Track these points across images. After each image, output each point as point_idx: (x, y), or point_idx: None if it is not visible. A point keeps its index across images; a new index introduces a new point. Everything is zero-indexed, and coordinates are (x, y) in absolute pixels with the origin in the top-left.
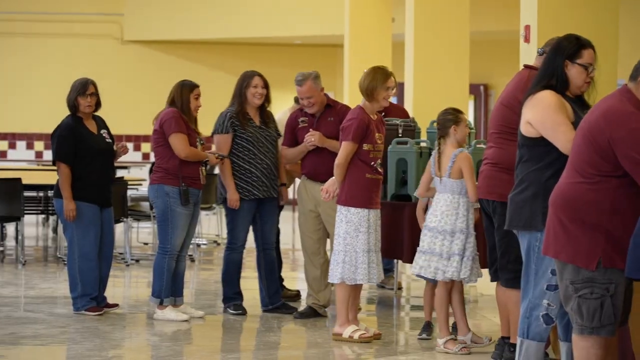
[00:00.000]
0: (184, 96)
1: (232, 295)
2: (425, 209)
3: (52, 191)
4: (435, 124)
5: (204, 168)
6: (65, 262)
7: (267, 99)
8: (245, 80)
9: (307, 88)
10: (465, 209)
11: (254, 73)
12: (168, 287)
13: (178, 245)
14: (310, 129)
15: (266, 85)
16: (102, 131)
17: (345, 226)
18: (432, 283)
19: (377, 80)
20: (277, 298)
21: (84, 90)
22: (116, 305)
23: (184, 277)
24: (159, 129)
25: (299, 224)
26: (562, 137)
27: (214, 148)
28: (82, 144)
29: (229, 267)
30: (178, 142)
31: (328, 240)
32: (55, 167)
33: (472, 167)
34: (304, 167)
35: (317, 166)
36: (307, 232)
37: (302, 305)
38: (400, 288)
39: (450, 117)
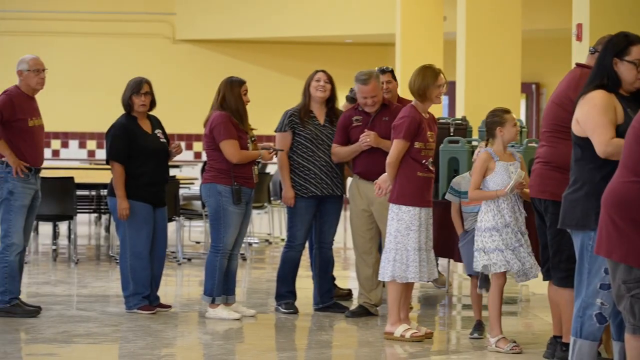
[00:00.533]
0: (235, 93)
1: (284, 294)
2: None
3: (104, 190)
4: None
5: (256, 167)
6: (118, 261)
7: (332, 96)
8: (311, 77)
9: (372, 87)
10: (509, 207)
11: (317, 71)
12: (220, 286)
13: (230, 244)
14: (365, 129)
15: (330, 81)
16: (157, 131)
17: (396, 224)
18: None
19: (428, 79)
20: (329, 297)
21: (138, 89)
22: (169, 306)
23: (236, 276)
24: (209, 134)
25: (351, 223)
26: (597, 139)
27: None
28: (135, 143)
29: (285, 265)
30: (229, 149)
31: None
32: (108, 166)
33: (479, 164)
34: (356, 166)
35: (370, 166)
36: (359, 231)
37: (354, 304)
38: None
39: (496, 119)
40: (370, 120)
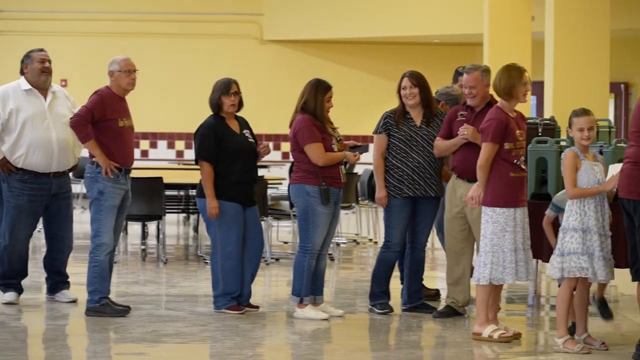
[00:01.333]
0: (317, 100)
1: (379, 293)
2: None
3: (193, 190)
4: None
5: (343, 167)
6: (206, 261)
7: (425, 97)
8: (399, 82)
9: (473, 77)
10: (592, 208)
11: (404, 75)
12: (308, 286)
13: (318, 244)
14: (466, 123)
15: (418, 84)
16: (245, 131)
17: (491, 227)
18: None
19: (514, 77)
20: (418, 297)
21: (227, 90)
22: (257, 307)
23: (324, 276)
24: (293, 138)
25: (445, 224)
26: None
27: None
28: (224, 143)
29: (381, 265)
30: (313, 152)
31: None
32: (197, 167)
33: (569, 161)
34: (454, 160)
35: (466, 163)
36: (452, 232)
37: (441, 305)
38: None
39: (569, 120)
40: (473, 116)
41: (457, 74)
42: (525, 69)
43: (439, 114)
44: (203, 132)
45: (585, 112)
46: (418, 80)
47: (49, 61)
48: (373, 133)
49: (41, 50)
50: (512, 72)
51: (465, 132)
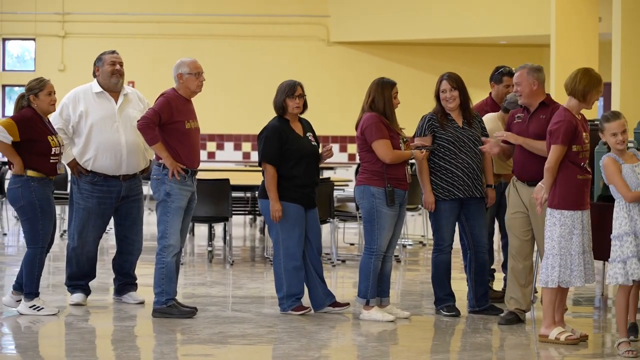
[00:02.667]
0: (385, 95)
1: (443, 297)
2: None
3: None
4: None
5: (409, 168)
6: (272, 262)
7: (463, 99)
8: (437, 85)
9: (518, 74)
10: (636, 212)
11: (442, 77)
12: (374, 288)
13: (384, 246)
14: (523, 125)
15: (457, 86)
16: (308, 134)
17: (559, 229)
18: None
19: (593, 84)
20: (485, 301)
21: (292, 92)
22: (347, 304)
23: (390, 278)
24: (361, 136)
25: (507, 225)
26: None
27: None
28: (288, 146)
29: (438, 269)
30: (381, 149)
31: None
32: (261, 168)
33: (611, 168)
34: (515, 163)
35: (525, 165)
36: (516, 232)
37: (505, 309)
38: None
39: (600, 127)
40: (528, 117)
41: (501, 74)
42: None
43: (476, 115)
44: (267, 134)
45: (615, 115)
46: (457, 83)
47: (120, 63)
48: (415, 136)
49: (113, 52)
50: (593, 79)
51: (502, 134)
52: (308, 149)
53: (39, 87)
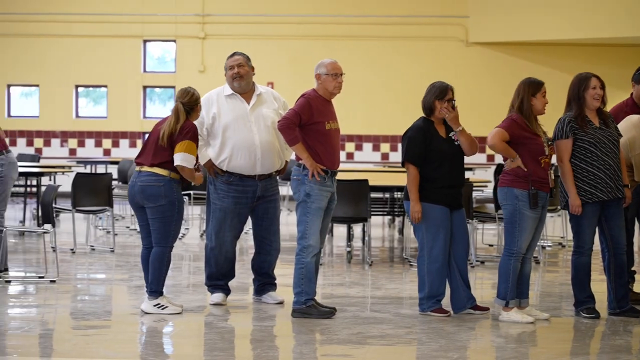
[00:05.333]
0: (526, 95)
1: (583, 299)
2: None
3: (398, 192)
4: None
5: (552, 171)
6: (412, 263)
7: (602, 101)
8: (583, 83)
9: None
10: None
11: (590, 75)
12: (513, 289)
13: (524, 248)
14: None
15: (603, 86)
16: (452, 134)
17: None
18: None
19: None
20: (625, 302)
21: (442, 95)
22: (487, 308)
23: (529, 279)
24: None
25: None
26: None
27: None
28: (431, 147)
29: (579, 271)
30: (493, 132)
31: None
32: (402, 169)
33: None
34: None
35: None
36: None
37: None
38: None
39: None
40: None
41: None
42: None
43: (609, 114)
44: (411, 134)
45: None
46: (602, 83)
47: (239, 65)
48: (557, 139)
49: (232, 55)
50: None
51: None
52: (451, 150)
53: (195, 103)
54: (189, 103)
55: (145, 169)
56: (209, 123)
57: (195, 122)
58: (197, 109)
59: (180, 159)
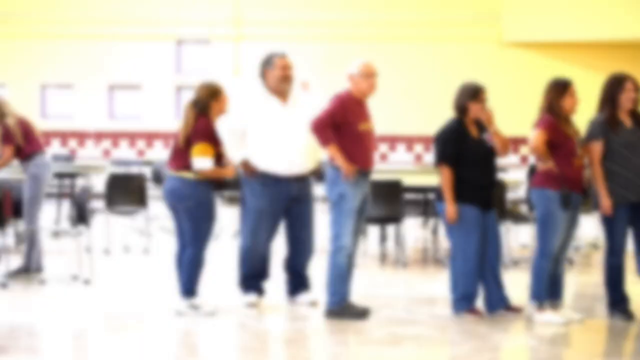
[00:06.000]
0: (555, 97)
1: (617, 300)
2: None
3: (431, 193)
4: None
5: (585, 172)
6: (445, 264)
7: (634, 102)
8: (618, 85)
9: None
10: None
11: (625, 76)
12: (547, 290)
13: (557, 249)
14: None
15: (637, 88)
16: (484, 134)
17: None
18: None
19: None
20: None
21: (475, 96)
22: (521, 309)
23: (563, 280)
24: None
25: None
26: None
27: None
28: (464, 148)
29: (612, 272)
30: (535, 134)
31: None
32: (435, 170)
33: None
34: None
35: None
36: None
37: None
38: None
39: None
40: None
41: None
42: None
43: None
44: (444, 135)
45: None
46: (636, 84)
47: (291, 68)
48: (588, 140)
49: (283, 55)
50: None
51: None
52: (483, 151)
53: (218, 92)
54: (204, 98)
55: (172, 172)
56: (244, 123)
57: (230, 122)
58: (215, 102)
59: (195, 164)
